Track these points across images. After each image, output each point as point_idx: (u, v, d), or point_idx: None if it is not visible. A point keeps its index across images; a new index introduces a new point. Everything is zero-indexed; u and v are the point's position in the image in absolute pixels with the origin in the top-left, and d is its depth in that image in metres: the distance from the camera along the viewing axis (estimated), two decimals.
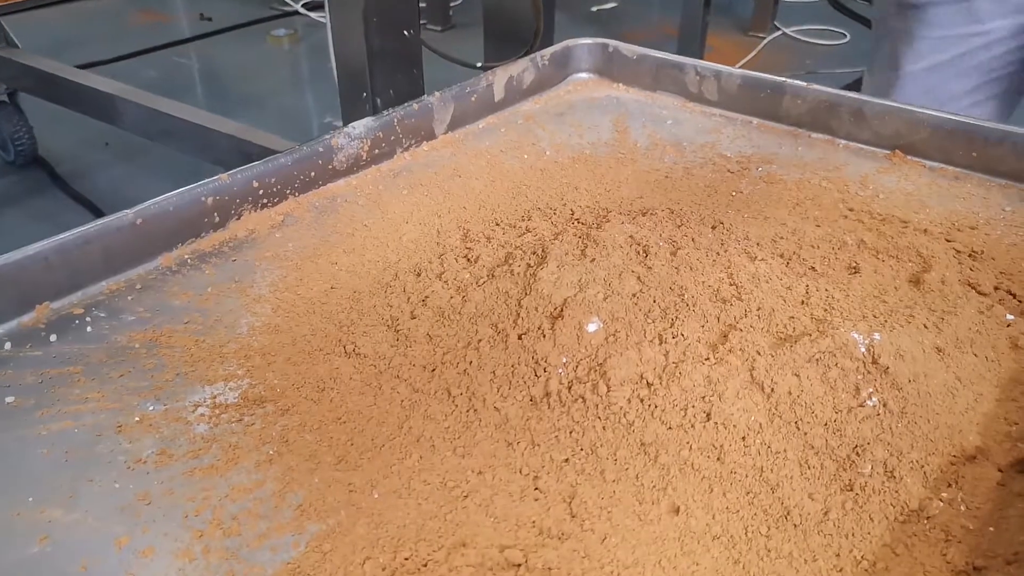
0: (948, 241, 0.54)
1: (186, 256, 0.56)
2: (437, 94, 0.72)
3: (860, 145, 0.69)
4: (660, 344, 0.42)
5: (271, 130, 1.64)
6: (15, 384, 0.45)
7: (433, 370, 0.45)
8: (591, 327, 0.43)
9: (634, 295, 0.45)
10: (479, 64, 1.10)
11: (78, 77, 1.86)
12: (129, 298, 0.52)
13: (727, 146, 0.71)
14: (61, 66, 1.89)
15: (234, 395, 0.44)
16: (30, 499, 0.38)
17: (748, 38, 2.63)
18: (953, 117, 0.65)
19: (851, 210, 0.59)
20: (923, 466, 0.37)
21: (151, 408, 0.43)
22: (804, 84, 0.72)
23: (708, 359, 0.41)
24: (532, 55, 0.80)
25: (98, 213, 1.77)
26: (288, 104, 2.41)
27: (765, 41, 2.59)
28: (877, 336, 0.41)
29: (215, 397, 0.44)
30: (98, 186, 2.01)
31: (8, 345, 0.48)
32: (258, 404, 0.43)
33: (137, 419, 0.43)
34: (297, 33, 2.75)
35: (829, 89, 0.71)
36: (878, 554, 0.34)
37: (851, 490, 0.36)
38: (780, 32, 2.62)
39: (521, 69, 0.79)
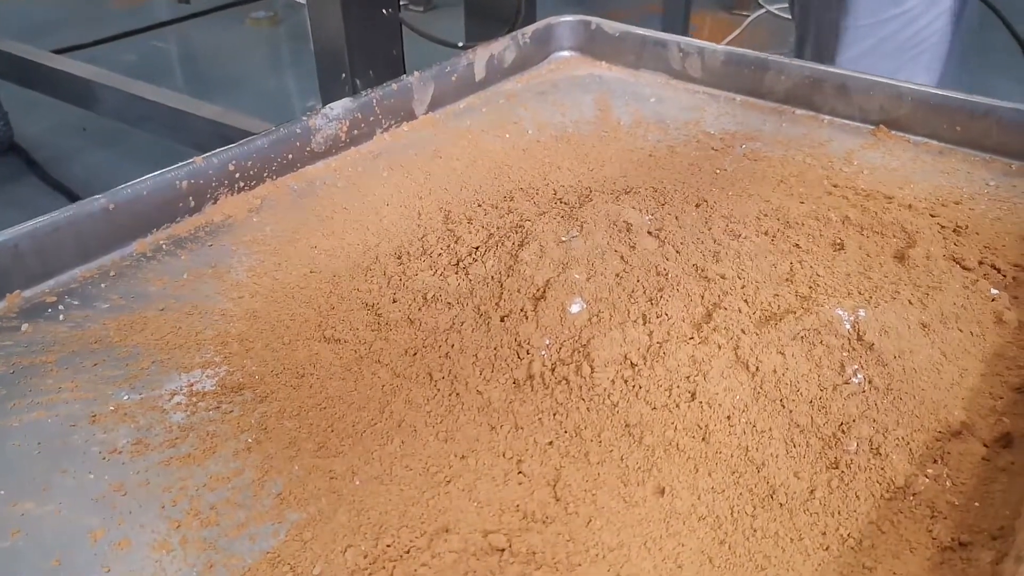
0: (932, 216, 0.54)
1: (161, 242, 0.55)
2: (416, 74, 0.71)
3: (844, 121, 0.69)
4: (644, 324, 0.41)
5: (252, 115, 1.61)
6: None
7: (414, 354, 0.44)
8: (574, 308, 0.43)
9: (617, 275, 0.44)
10: (460, 44, 1.08)
11: (53, 62, 1.82)
12: (103, 285, 0.51)
13: (711, 124, 0.70)
14: (36, 51, 1.86)
15: (211, 383, 0.43)
16: (1, 492, 0.37)
17: (732, 16, 2.61)
18: (938, 91, 0.64)
19: (835, 186, 0.59)
20: (908, 442, 0.37)
21: (126, 397, 0.43)
22: (787, 60, 0.71)
23: (692, 338, 0.40)
24: (513, 33, 0.79)
25: (76, 200, 1.74)
26: (269, 88, 2.37)
27: (749, 19, 2.58)
28: (862, 312, 0.40)
29: (192, 385, 0.43)
30: (76, 173, 1.98)
31: None
32: (236, 391, 0.43)
33: (112, 408, 0.42)
34: (277, 15, 2.71)
35: (812, 64, 0.70)
36: (864, 531, 0.34)
37: (837, 468, 0.36)
38: (764, 10, 2.60)
39: (502, 47, 0.77)
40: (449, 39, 1.08)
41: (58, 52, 2.00)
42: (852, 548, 0.33)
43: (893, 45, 0.95)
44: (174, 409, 0.42)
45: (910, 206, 0.55)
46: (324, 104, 0.91)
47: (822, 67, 0.69)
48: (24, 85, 1.89)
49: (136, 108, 1.71)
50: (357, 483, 0.37)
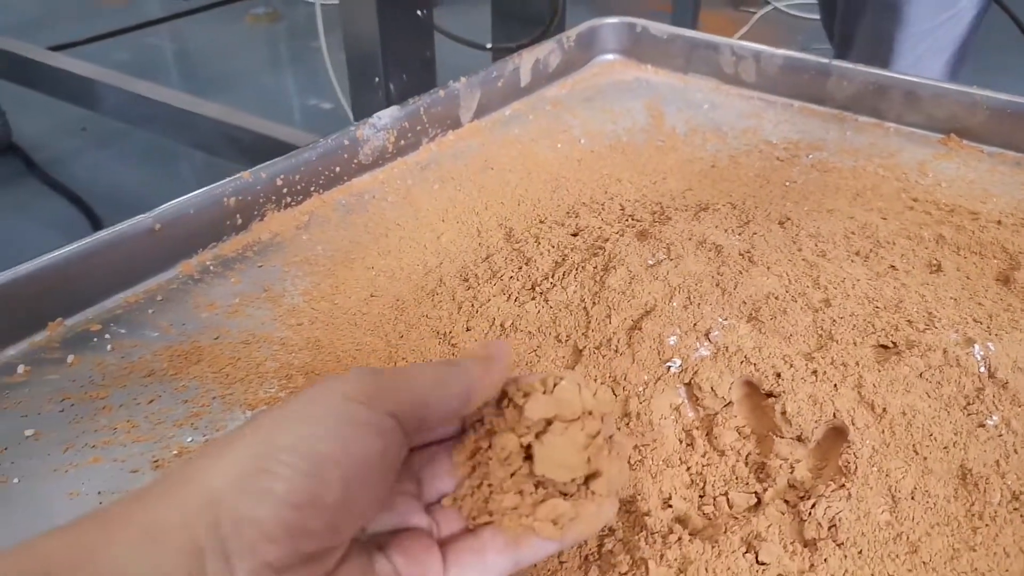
0: None
1: (208, 263, 0.52)
2: (463, 79, 0.67)
3: (911, 129, 0.66)
4: (753, 357, 0.38)
5: (252, 114, 1.57)
6: (33, 414, 0.41)
7: None
8: (672, 340, 0.40)
9: (716, 303, 0.41)
10: (489, 46, 1.05)
11: (52, 60, 1.77)
12: (150, 311, 0.48)
13: (771, 132, 0.67)
14: (33, 48, 1.80)
15: None
16: None
17: (739, 13, 2.58)
18: (1015, 99, 0.61)
19: (915, 200, 0.56)
20: None
21: (190, 439, 0.39)
22: (851, 65, 0.68)
23: (808, 376, 0.37)
24: (557, 36, 0.76)
25: (78, 201, 1.69)
26: (269, 87, 2.33)
27: (757, 16, 2.55)
28: (991, 346, 0.38)
29: None
30: (76, 173, 1.93)
31: (21, 368, 0.43)
32: None
33: (176, 452, 0.39)
34: (276, 12, 2.66)
35: (877, 70, 0.67)
36: None
37: (981, 521, 0.33)
38: (771, 7, 2.58)
39: (547, 51, 0.74)
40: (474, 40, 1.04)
41: (50, 50, 1.95)
42: None
43: (941, 47, 0.93)
44: None
45: (999, 222, 0.52)
46: (351, 108, 0.88)
47: (889, 73, 0.67)
48: (22, 84, 1.84)
49: (139, 107, 1.67)
50: None
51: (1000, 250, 0.48)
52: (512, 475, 0.27)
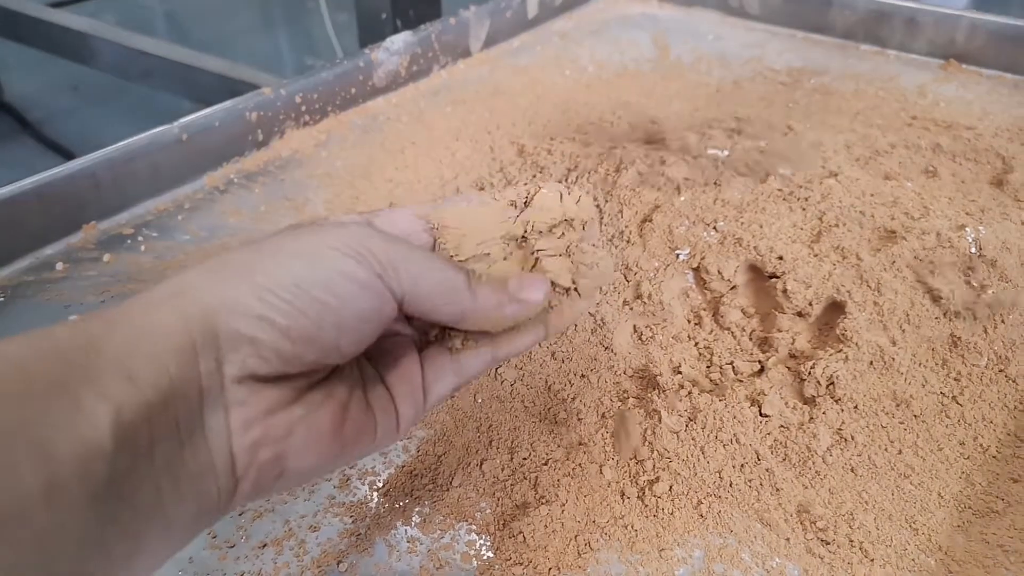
0: (1022, 145, 0.53)
1: (232, 175, 0.54)
2: (473, 9, 0.69)
3: (912, 55, 0.68)
4: (757, 243, 0.41)
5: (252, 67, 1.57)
6: (75, 303, 0.43)
7: None
8: (681, 230, 0.42)
9: (722, 198, 0.43)
10: None
11: (46, 15, 1.77)
12: (179, 218, 0.50)
13: (774, 59, 0.69)
14: (30, 4, 1.80)
15: None
16: None
17: None
18: (1014, 22, 0.63)
19: (914, 118, 0.58)
20: None
21: None
22: None
23: (812, 258, 0.40)
24: None
25: (74, 160, 1.69)
26: (264, 47, 2.31)
27: None
28: (982, 230, 0.40)
29: None
30: (70, 131, 1.93)
31: (60, 265, 0.45)
32: None
33: None
34: None
35: None
36: (1004, 442, 0.34)
37: (969, 381, 0.35)
38: None
39: None
40: None
41: None
42: (994, 457, 0.33)
43: None
44: None
45: (995, 136, 0.54)
46: (359, 44, 0.89)
47: (891, 1, 0.68)
48: (14, 40, 1.83)
49: (136, 62, 1.67)
50: (480, 401, 0.36)
51: (995, 156, 0.50)
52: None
